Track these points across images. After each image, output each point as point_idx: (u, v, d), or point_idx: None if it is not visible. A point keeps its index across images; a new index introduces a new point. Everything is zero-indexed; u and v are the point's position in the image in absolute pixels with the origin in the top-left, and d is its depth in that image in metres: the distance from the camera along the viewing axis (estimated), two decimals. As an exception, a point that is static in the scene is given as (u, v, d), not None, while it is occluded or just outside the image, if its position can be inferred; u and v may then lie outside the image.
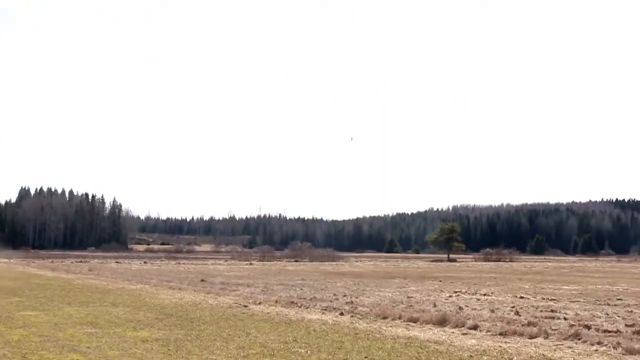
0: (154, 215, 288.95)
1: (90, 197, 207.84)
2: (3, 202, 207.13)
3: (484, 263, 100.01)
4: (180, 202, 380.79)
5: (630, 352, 13.10)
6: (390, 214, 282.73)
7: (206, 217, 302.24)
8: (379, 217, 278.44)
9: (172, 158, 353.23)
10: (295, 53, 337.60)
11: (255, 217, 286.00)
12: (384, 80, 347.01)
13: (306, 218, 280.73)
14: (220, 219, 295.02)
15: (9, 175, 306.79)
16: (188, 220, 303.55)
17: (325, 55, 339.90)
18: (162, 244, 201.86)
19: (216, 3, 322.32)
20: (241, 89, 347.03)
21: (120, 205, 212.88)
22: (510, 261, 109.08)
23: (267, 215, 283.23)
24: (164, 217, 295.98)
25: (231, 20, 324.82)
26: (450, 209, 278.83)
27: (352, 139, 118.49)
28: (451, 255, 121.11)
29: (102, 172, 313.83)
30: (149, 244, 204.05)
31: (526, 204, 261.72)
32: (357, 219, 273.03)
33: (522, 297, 27.84)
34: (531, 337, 15.24)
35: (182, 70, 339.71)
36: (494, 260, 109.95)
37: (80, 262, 70.26)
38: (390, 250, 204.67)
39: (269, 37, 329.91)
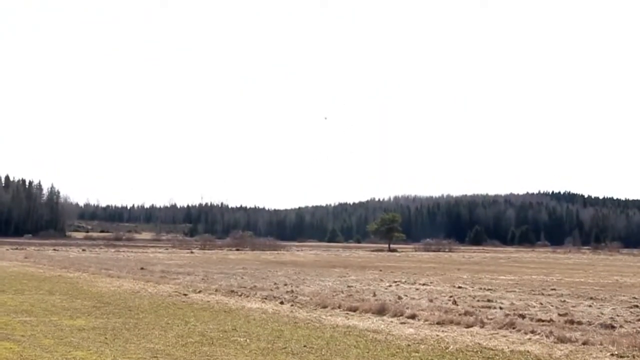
0: (93, 202, 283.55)
1: (27, 183, 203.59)
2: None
3: (423, 253, 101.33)
4: (121, 190, 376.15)
5: (562, 340, 13.45)
6: (332, 204, 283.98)
7: (147, 205, 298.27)
8: (321, 206, 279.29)
9: (113, 144, 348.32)
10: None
11: (197, 205, 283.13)
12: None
13: (248, 207, 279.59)
14: (162, 207, 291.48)
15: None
16: (128, 207, 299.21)
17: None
18: (102, 231, 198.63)
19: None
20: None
21: (59, 192, 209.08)
22: (450, 251, 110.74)
23: (209, 204, 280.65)
24: (103, 204, 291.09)
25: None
26: (392, 199, 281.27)
27: (325, 118, 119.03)
28: (392, 245, 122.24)
29: (40, 157, 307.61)
30: (87, 232, 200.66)
31: (466, 195, 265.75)
32: (299, 208, 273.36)
33: (460, 287, 28.32)
34: (468, 326, 15.51)
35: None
36: (433, 251, 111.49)
37: (16, 249, 68.81)
38: (332, 239, 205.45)
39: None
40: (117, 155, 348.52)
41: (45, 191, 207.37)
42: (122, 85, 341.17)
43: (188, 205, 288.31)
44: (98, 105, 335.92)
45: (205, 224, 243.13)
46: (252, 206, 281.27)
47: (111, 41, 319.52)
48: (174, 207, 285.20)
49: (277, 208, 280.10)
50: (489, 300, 21.88)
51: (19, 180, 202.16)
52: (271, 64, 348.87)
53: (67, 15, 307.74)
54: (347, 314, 17.95)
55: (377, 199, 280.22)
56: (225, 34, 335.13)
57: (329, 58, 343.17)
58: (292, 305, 19.62)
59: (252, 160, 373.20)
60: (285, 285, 27.08)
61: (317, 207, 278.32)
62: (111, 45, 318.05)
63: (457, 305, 20.06)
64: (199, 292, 23.58)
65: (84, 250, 71.56)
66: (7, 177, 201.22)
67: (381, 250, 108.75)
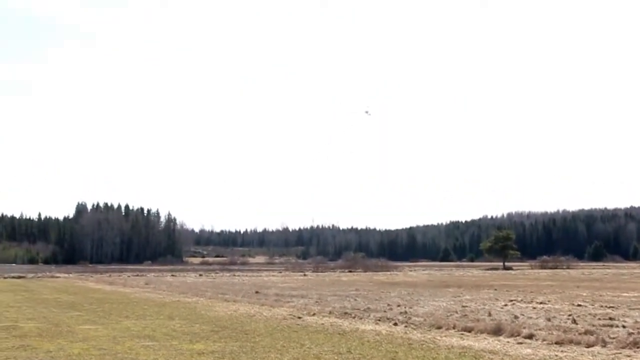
0: (208, 228, 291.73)
1: (145, 211, 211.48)
2: (61, 218, 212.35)
3: (540, 271, 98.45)
4: (234, 215, 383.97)
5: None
6: (444, 223, 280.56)
7: (259, 229, 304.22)
8: (432, 225, 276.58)
9: (226, 171, 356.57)
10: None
11: (309, 228, 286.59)
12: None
13: (359, 228, 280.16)
14: (274, 230, 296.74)
15: (66, 191, 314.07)
16: (242, 232, 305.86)
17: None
18: (217, 256, 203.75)
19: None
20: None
21: (175, 219, 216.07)
22: (568, 268, 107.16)
23: (320, 226, 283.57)
24: (217, 229, 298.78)
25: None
26: (505, 216, 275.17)
27: (367, 112, 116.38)
28: (506, 263, 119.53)
29: (156, 186, 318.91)
30: (203, 257, 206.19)
31: (583, 210, 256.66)
32: (411, 228, 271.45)
33: (579, 305, 27.39)
34: (588, 346, 15.01)
35: (226, 83, 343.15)
36: (550, 268, 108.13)
37: (137, 275, 71.35)
38: (444, 259, 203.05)
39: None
40: (230, 181, 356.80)
41: (162, 219, 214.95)
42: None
43: (300, 228, 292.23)
44: (210, 134, 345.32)
45: (317, 246, 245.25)
46: (363, 227, 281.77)
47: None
48: (286, 230, 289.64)
49: (388, 228, 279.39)
50: (610, 319, 21.06)
51: (137, 209, 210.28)
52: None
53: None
54: (462, 334, 17.69)
55: (489, 217, 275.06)
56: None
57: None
58: (405, 327, 19.51)
59: (363, 181, 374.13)
60: (399, 306, 26.94)
61: (428, 226, 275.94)
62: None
63: (577, 324, 19.42)
64: (313, 314, 23.77)
65: (200, 275, 73.45)
66: (126, 207, 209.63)
67: (495, 268, 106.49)
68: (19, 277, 66.52)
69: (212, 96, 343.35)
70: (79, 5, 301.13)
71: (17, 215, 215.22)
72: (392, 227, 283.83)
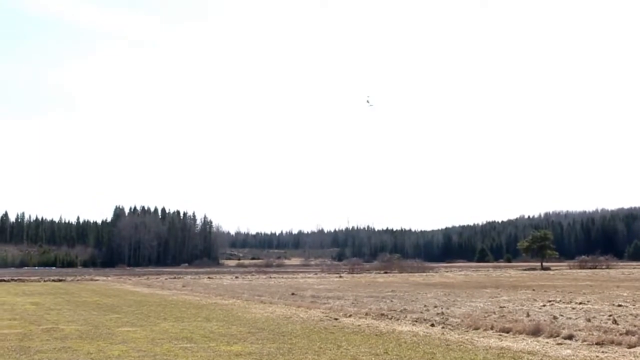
0: (243, 230, 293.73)
1: (182, 214, 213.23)
2: (100, 222, 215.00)
3: (579, 271, 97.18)
4: (270, 217, 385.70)
5: None
6: (480, 223, 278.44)
7: (295, 231, 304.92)
8: (468, 226, 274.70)
9: (261, 173, 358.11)
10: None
11: (344, 229, 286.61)
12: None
13: (395, 229, 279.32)
14: (309, 232, 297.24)
15: (104, 195, 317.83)
16: (277, 234, 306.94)
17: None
18: (253, 258, 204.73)
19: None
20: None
21: (211, 222, 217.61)
22: (607, 268, 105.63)
23: (356, 228, 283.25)
24: (253, 232, 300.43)
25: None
26: (542, 215, 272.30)
27: (368, 100, 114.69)
28: (544, 264, 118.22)
29: (193, 189, 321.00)
30: (239, 259, 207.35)
31: (622, 209, 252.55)
32: (447, 228, 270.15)
33: (620, 305, 26.99)
34: (630, 347, 14.79)
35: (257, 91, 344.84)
36: (589, 268, 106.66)
37: (174, 278, 71.90)
38: (481, 259, 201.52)
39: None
40: (265, 183, 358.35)
41: (198, 222, 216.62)
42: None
43: (335, 230, 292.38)
44: (245, 137, 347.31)
45: (353, 248, 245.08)
46: (399, 228, 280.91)
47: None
48: (321, 232, 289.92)
49: (423, 229, 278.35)
50: (652, 319, 20.73)
51: (174, 212, 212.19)
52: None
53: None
54: (500, 335, 17.55)
55: (526, 216, 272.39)
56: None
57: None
58: (443, 328, 19.40)
59: (398, 181, 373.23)
60: (436, 307, 26.80)
61: (464, 226, 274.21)
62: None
63: (618, 324, 19.14)
64: (350, 316, 23.75)
65: (236, 277, 73.79)
66: (163, 210, 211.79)
67: (533, 269, 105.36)
68: (59, 280, 67.46)
69: (245, 100, 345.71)
70: (114, 13, 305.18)
71: (57, 219, 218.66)
72: (428, 228, 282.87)
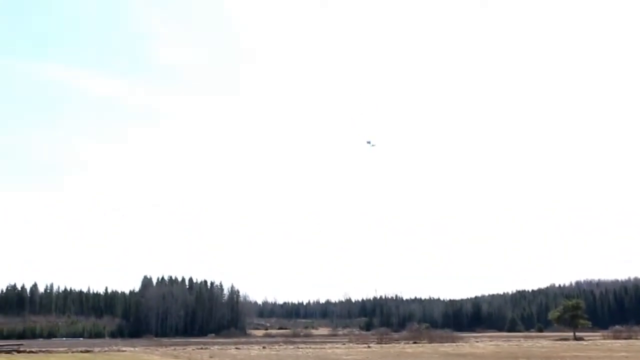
0: (270, 299, 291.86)
1: (209, 284, 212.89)
2: (127, 292, 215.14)
3: (613, 341, 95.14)
4: (297, 286, 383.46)
5: None
6: (510, 292, 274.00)
7: (322, 300, 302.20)
8: (498, 294, 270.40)
9: (288, 242, 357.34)
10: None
11: (372, 298, 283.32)
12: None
13: (423, 298, 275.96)
14: (337, 301, 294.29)
15: (132, 265, 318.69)
16: (304, 303, 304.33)
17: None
18: (280, 328, 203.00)
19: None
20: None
21: (238, 291, 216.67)
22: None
23: (384, 297, 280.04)
24: (280, 301, 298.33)
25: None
26: (573, 284, 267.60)
27: (370, 142, 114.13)
28: (577, 334, 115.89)
29: (219, 258, 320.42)
30: (266, 329, 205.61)
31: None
32: (476, 297, 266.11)
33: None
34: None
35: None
36: (624, 338, 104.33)
37: (201, 348, 71.49)
38: (511, 329, 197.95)
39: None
40: (292, 253, 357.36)
41: (225, 291, 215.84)
42: (292, 186, 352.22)
43: (363, 299, 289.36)
44: (268, 206, 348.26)
45: (381, 317, 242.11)
46: (427, 297, 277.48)
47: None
48: (348, 301, 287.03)
49: (452, 298, 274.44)
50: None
51: (201, 282, 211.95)
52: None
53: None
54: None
55: (557, 285, 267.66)
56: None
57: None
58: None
59: (426, 250, 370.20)
60: (467, 379, 26.35)
61: (494, 295, 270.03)
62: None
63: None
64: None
65: (264, 347, 73.20)
66: (190, 279, 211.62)
67: (566, 339, 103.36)
68: (86, 351, 67.37)
69: (270, 169, 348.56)
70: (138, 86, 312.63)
71: (85, 290, 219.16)
72: (457, 297, 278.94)
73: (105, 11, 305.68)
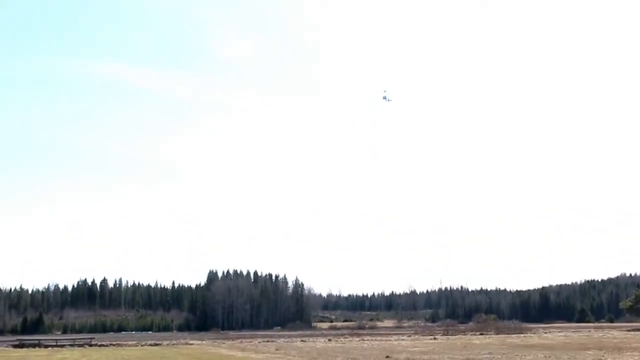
0: (335, 292, 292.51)
1: (273, 277, 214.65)
2: (194, 286, 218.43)
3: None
4: (361, 278, 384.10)
5: None
6: (579, 281, 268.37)
7: (387, 292, 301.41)
8: (566, 285, 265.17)
9: (352, 234, 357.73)
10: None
11: (437, 290, 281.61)
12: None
13: (489, 289, 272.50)
14: (401, 293, 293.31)
15: (198, 259, 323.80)
16: (369, 296, 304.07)
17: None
18: (345, 320, 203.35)
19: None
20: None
21: (303, 284, 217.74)
22: None
23: (449, 288, 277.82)
24: (345, 294, 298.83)
25: None
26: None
27: (385, 97, 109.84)
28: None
29: (283, 251, 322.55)
30: (331, 322, 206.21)
31: None
32: (543, 287, 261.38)
33: None
34: None
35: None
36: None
37: (267, 341, 72.03)
38: (581, 319, 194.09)
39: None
40: (355, 244, 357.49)
41: (290, 284, 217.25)
42: (355, 178, 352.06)
43: (427, 291, 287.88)
44: (331, 198, 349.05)
45: (446, 309, 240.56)
46: (493, 288, 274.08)
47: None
48: (413, 293, 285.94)
49: (519, 288, 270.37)
50: None
51: (266, 275, 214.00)
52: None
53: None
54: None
55: (628, 274, 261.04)
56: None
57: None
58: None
59: (490, 238, 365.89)
60: (536, 370, 25.84)
61: (562, 285, 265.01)
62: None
63: None
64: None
65: (329, 340, 73.34)
66: (255, 273, 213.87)
67: (638, 329, 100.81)
68: (155, 345, 68.61)
69: (336, 162, 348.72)
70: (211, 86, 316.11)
71: (153, 284, 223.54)
72: (524, 287, 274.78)
73: (170, 8, 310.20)
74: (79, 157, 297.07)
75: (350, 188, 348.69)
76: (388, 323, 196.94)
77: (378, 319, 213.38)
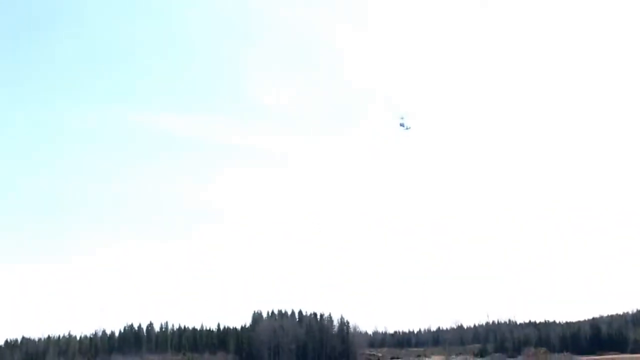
0: (380, 329, 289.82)
1: (318, 316, 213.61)
2: (239, 327, 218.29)
3: None
4: (407, 314, 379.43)
5: None
6: (630, 312, 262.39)
7: (433, 328, 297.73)
8: (617, 315, 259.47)
9: (395, 269, 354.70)
10: None
11: (484, 324, 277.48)
12: None
13: (538, 321, 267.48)
14: (448, 328, 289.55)
15: (242, 300, 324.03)
16: (415, 332, 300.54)
17: None
18: (392, 358, 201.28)
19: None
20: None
21: (348, 322, 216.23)
22: None
23: (497, 322, 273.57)
24: (391, 330, 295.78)
25: None
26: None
27: (402, 120, 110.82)
28: None
29: (328, 289, 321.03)
30: (378, 359, 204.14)
31: None
32: (594, 318, 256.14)
33: None
34: None
35: None
36: None
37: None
38: (635, 350, 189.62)
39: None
40: (400, 281, 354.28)
41: (335, 322, 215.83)
42: (396, 214, 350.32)
43: (475, 325, 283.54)
44: (375, 235, 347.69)
45: (495, 343, 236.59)
46: (542, 320, 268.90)
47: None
48: (460, 327, 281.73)
49: (569, 320, 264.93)
50: None
51: (311, 314, 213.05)
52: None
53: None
54: None
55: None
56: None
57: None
58: None
59: (539, 271, 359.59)
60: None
61: (613, 316, 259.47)
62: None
63: None
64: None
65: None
66: (300, 312, 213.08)
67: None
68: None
69: (382, 199, 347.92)
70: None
71: (198, 327, 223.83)
72: (574, 319, 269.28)
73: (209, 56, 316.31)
74: (125, 204, 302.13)
75: (392, 223, 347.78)
76: (436, 359, 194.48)
77: (425, 355, 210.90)
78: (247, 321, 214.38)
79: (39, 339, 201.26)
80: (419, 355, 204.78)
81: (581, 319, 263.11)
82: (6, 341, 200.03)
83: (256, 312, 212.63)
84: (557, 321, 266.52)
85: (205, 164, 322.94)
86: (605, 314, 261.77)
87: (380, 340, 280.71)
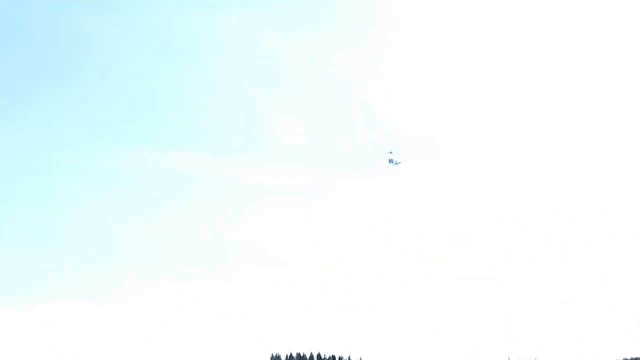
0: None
1: (337, 359, 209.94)
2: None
3: None
4: (425, 354, 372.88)
5: None
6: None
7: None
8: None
9: (411, 310, 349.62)
10: None
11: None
12: None
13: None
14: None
15: (260, 343, 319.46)
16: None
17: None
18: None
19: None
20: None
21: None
22: None
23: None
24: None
25: None
26: None
27: (391, 155, 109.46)
28: None
29: (345, 330, 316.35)
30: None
31: None
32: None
33: None
34: None
35: None
36: None
37: None
38: None
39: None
40: (416, 320, 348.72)
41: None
42: (411, 259, 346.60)
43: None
44: (389, 276, 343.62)
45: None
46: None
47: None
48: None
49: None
50: None
51: (329, 358, 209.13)
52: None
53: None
54: None
55: None
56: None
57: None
58: None
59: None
60: None
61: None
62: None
63: None
64: None
65: None
66: (318, 356, 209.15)
67: None
68: None
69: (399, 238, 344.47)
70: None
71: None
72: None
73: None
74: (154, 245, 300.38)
75: (404, 267, 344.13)
76: None
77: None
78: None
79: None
80: None
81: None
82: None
83: (274, 355, 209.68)
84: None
85: (225, 204, 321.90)
86: (636, 355, 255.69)
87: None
